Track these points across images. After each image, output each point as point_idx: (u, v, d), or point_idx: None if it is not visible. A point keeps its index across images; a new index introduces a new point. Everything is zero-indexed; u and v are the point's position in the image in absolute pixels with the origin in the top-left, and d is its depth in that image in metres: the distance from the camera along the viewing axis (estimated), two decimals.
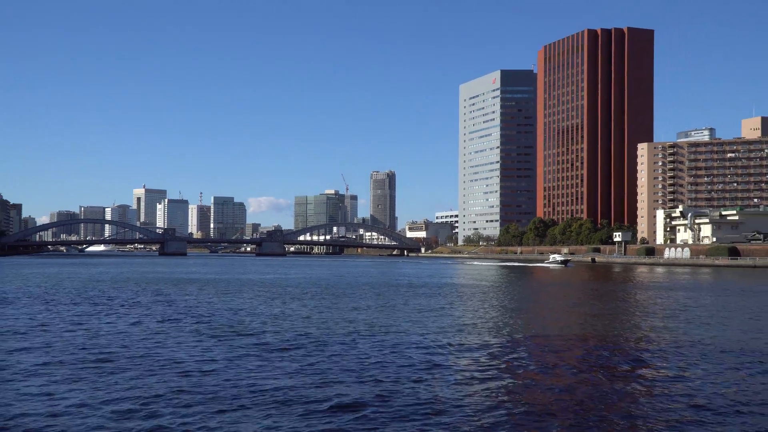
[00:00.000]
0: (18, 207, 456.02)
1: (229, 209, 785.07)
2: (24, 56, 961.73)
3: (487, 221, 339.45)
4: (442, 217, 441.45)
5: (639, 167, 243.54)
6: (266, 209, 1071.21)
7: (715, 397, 21.22)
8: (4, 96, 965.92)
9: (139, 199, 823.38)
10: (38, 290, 69.35)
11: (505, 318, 44.91)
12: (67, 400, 20.31)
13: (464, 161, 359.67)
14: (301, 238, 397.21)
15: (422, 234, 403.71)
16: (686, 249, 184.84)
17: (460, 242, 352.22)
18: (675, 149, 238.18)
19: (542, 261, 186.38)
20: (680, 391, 22.13)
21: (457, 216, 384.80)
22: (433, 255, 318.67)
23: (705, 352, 30.00)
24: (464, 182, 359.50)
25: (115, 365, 25.98)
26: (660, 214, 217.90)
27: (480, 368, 26.01)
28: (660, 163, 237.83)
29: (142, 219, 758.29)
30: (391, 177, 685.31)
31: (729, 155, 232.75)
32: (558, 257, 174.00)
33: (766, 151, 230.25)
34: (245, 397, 20.77)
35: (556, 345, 32.29)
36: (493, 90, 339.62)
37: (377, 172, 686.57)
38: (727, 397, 21.24)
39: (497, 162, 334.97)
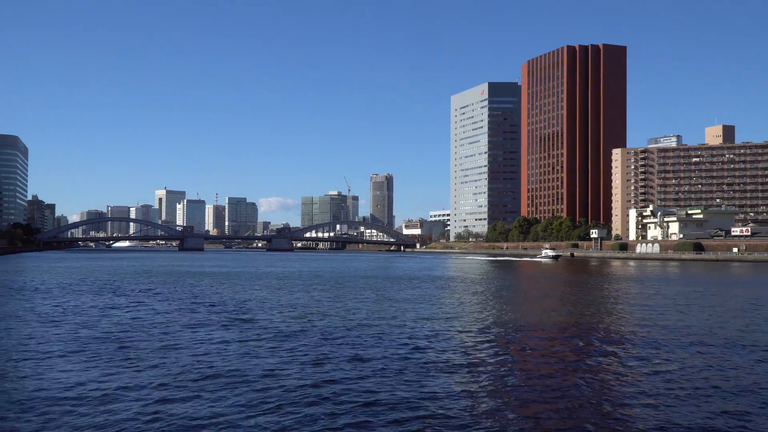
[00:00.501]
0: (52, 207, 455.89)
1: (242, 208, 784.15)
2: (56, 64, 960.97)
3: (476, 219, 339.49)
4: (435, 216, 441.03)
5: (613, 170, 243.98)
6: (276, 209, 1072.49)
7: (662, 374, 21.60)
8: (39, 104, 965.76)
9: (160, 199, 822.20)
10: (68, 281, 69.51)
11: (490, 306, 45.09)
12: (89, 377, 20.64)
13: (455, 165, 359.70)
14: (308, 235, 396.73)
15: (417, 231, 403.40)
16: (656, 245, 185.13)
17: (451, 239, 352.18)
18: (646, 154, 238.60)
19: (534, 256, 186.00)
20: (634, 372, 22.52)
21: (449, 214, 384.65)
22: (428, 250, 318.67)
23: (663, 336, 30.37)
24: (455, 184, 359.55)
25: (134, 348, 26.26)
26: (632, 213, 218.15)
27: (460, 351, 26.35)
28: (632, 167, 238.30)
29: (164, 217, 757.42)
30: (389, 179, 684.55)
31: (694, 160, 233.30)
32: (550, 252, 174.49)
33: (727, 156, 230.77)
34: (250, 374, 21.08)
35: (530, 329, 32.63)
36: (482, 100, 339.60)
37: (376, 174, 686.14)
38: (675, 376, 21.64)
39: (485, 166, 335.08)
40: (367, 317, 37.16)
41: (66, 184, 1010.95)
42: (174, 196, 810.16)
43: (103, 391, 18.88)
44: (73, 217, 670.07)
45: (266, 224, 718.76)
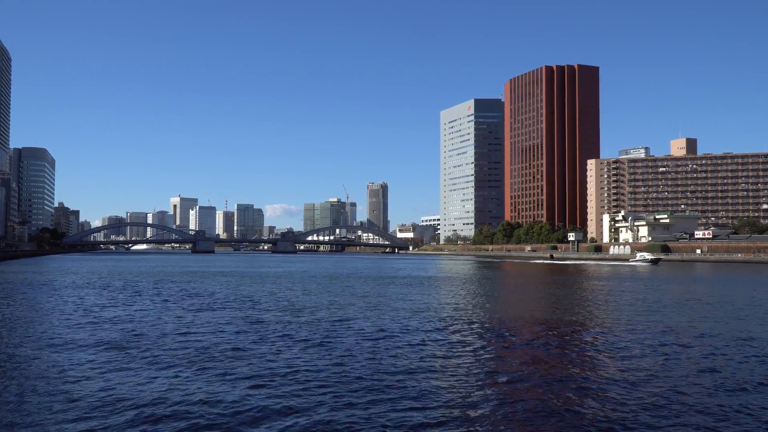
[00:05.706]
0: (76, 213, 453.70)
1: (250, 214, 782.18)
2: (79, 81, 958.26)
3: (463, 224, 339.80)
4: (426, 221, 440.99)
5: (588, 179, 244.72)
6: (280, 214, 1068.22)
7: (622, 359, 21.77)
8: (64, 119, 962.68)
9: (175, 206, 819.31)
10: (83, 279, 69.07)
11: (479, 302, 45.18)
12: (104, 362, 20.45)
13: (444, 174, 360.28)
14: (310, 238, 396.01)
15: (410, 235, 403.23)
16: (627, 246, 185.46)
17: (441, 242, 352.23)
18: (617, 164, 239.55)
19: (628, 260, 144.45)
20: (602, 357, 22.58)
21: (438, 219, 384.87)
22: (419, 252, 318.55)
23: (624, 327, 30.48)
24: (445, 191, 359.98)
25: (147, 332, 26.17)
26: (606, 218, 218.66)
27: (446, 342, 26.27)
28: (605, 176, 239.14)
29: (178, 222, 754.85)
30: (384, 187, 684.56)
31: (661, 169, 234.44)
32: (647, 255, 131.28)
33: (690, 166, 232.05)
34: (255, 356, 20.97)
35: (510, 323, 32.61)
36: (468, 115, 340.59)
37: (373, 183, 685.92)
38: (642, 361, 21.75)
39: (472, 175, 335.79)
40: (362, 312, 36.95)
41: (89, 192, 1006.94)
42: (187, 203, 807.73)
43: (117, 366, 18.75)
44: (96, 222, 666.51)
45: (272, 228, 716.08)
